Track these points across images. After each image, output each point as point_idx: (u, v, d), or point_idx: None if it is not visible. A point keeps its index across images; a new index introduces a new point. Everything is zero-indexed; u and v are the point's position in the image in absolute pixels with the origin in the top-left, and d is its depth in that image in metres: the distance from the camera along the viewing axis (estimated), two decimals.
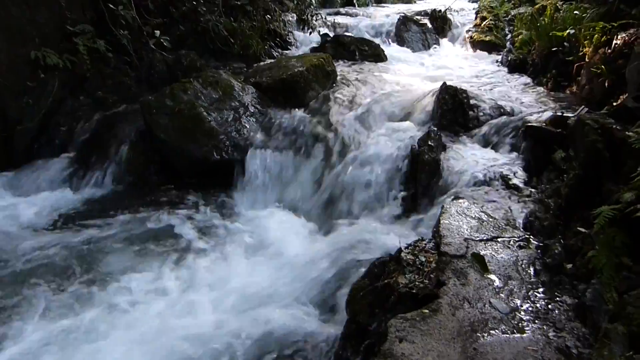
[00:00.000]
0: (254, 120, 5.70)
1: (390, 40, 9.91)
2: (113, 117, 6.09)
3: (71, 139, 5.88)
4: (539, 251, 2.95)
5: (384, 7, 13.27)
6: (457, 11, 10.95)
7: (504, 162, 4.35)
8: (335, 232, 4.37)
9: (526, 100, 5.54)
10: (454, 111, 5.27)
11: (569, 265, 2.71)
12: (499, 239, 3.06)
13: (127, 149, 5.57)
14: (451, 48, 9.78)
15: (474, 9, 11.08)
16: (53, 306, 3.61)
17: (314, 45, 8.96)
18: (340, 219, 4.66)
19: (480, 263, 2.76)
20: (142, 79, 6.83)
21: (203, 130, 5.37)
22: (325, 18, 9.85)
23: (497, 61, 7.94)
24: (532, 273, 2.76)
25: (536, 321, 2.37)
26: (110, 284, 3.83)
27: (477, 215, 3.33)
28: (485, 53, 8.70)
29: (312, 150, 5.29)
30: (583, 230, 2.79)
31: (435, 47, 9.75)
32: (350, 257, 3.73)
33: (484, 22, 9.47)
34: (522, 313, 2.43)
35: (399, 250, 3.02)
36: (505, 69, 7.34)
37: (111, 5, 6.34)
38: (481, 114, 5.27)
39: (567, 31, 5.79)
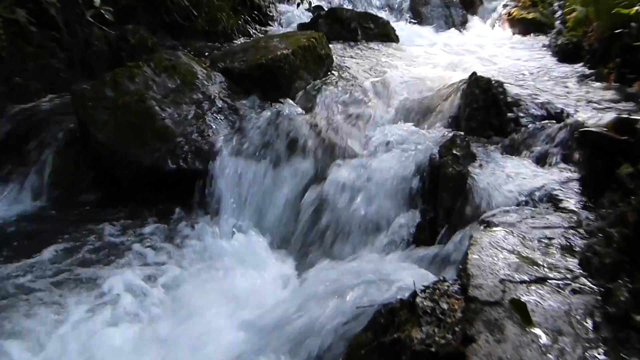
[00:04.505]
0: (223, 118, 5.68)
1: (403, 16, 9.97)
2: (35, 111, 6.07)
3: None
4: (598, 297, 2.92)
5: None
6: None
7: (552, 178, 4.33)
8: (325, 269, 4.28)
9: (581, 97, 5.56)
10: (486, 110, 5.28)
11: (639, 317, 2.69)
12: (546, 281, 3.03)
13: (52, 154, 5.53)
14: (483, 27, 9.89)
15: None
16: None
17: (304, 21, 9.00)
18: (332, 252, 4.63)
19: (521, 312, 2.73)
20: (75, 61, 6.83)
21: (154, 130, 5.34)
22: None
23: (543, 46, 7.99)
24: (589, 327, 2.73)
25: None
26: None
27: (516, 248, 3.30)
28: (528, 35, 8.77)
29: (297, 160, 5.26)
30: None
31: (462, 26, 9.82)
32: (347, 304, 3.65)
33: None
34: None
35: (414, 294, 2.98)
36: (554, 57, 7.38)
37: None
38: (522, 114, 5.29)
39: (636, 8, 5.82)
